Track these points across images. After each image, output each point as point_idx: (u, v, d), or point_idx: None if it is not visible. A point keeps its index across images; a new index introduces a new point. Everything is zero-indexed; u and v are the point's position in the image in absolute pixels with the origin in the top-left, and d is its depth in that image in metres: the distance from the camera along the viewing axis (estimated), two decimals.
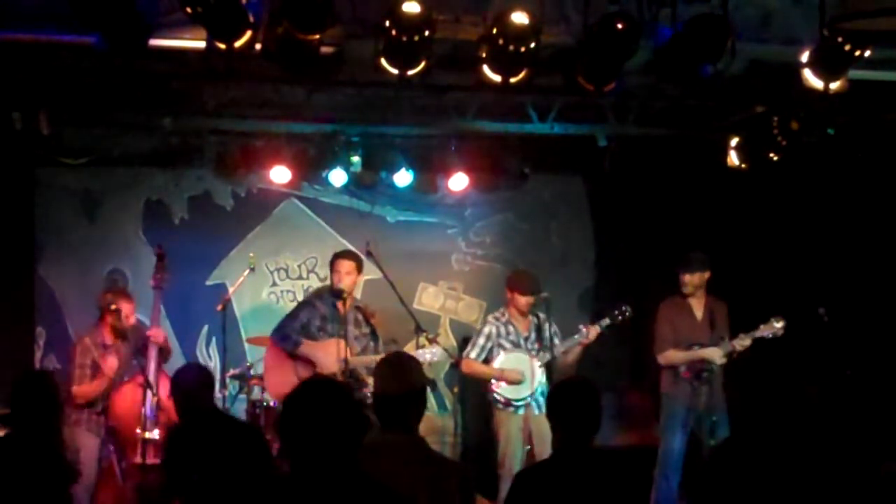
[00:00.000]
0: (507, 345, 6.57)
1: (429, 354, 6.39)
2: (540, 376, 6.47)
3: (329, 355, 6.26)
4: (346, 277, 6.42)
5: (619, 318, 6.47)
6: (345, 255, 6.60)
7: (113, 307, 6.05)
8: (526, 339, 6.58)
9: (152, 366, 6.03)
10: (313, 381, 2.98)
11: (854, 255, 7.00)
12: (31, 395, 4.35)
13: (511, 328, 6.61)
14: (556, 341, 6.57)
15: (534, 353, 6.51)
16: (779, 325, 6.30)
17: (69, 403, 5.91)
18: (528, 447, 6.38)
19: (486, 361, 6.63)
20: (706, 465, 2.37)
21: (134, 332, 6.22)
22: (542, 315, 6.62)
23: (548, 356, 6.46)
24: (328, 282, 6.67)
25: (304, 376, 5.59)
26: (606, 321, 6.46)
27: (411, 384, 3.48)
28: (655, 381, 6.71)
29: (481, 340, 6.64)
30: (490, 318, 6.74)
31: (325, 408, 2.70)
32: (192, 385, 4.80)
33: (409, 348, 6.56)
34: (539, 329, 6.54)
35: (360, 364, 6.31)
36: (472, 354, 6.65)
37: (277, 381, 6.42)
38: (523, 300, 6.53)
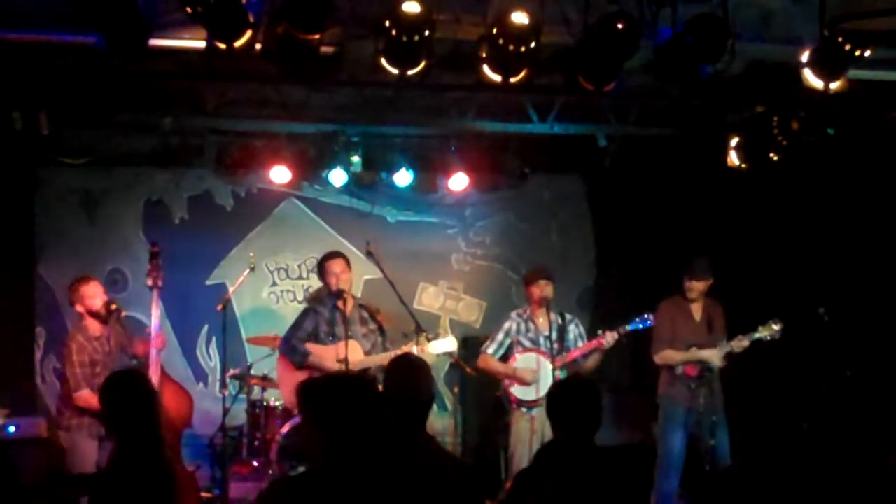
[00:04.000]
0: (526, 342, 6.51)
1: (442, 345, 6.40)
2: (552, 378, 6.32)
3: (339, 360, 6.24)
4: (343, 276, 6.41)
5: (641, 326, 6.37)
6: (333, 255, 6.56)
7: (81, 297, 5.98)
8: (546, 337, 6.46)
9: (154, 369, 6.00)
10: (346, 375, 2.97)
11: (854, 256, 7.00)
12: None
13: (531, 325, 6.53)
14: (580, 343, 6.51)
15: (549, 353, 6.40)
16: (777, 327, 6.29)
17: (69, 407, 5.90)
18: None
19: (505, 358, 6.57)
20: (714, 489, 2.38)
21: (116, 313, 6.10)
22: (568, 316, 6.61)
23: (562, 359, 6.42)
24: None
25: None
26: (627, 329, 6.35)
27: (429, 388, 3.51)
28: (655, 382, 6.70)
29: (500, 336, 6.59)
30: (513, 314, 6.66)
31: (363, 401, 2.69)
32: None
33: (409, 348, 6.55)
34: (562, 329, 6.51)
35: (371, 364, 6.29)
36: (490, 350, 6.59)
37: (293, 389, 6.41)
38: (536, 290, 6.48)
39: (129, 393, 3.95)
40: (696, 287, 6.48)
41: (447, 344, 6.47)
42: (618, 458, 3.65)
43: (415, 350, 6.28)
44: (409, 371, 3.60)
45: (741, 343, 6.32)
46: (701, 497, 6.13)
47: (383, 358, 6.18)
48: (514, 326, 6.57)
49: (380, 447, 2.68)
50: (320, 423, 2.69)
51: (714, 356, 6.30)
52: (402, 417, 3.42)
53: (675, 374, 6.46)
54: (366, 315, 6.58)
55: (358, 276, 7.62)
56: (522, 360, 6.48)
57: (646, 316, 6.37)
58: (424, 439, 3.45)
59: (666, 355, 6.49)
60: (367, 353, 6.37)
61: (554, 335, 6.47)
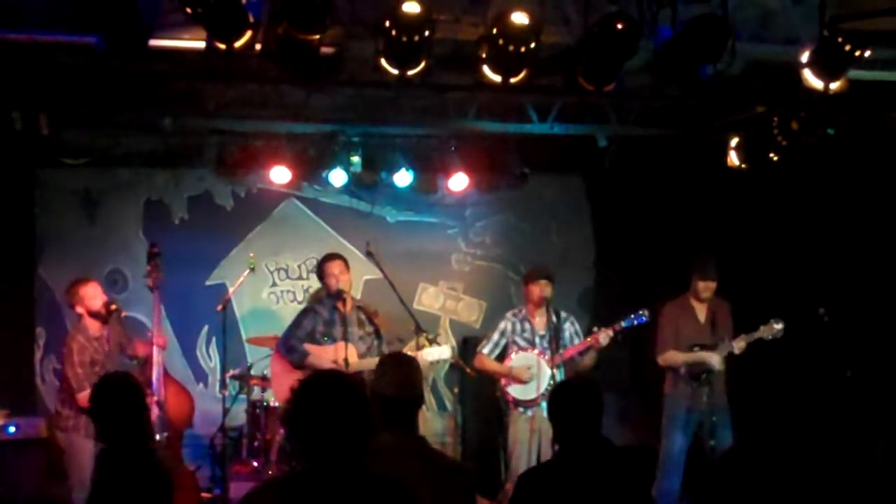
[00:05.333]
0: (522, 342, 6.51)
1: (436, 353, 6.38)
2: (550, 377, 6.35)
3: (337, 360, 6.23)
4: (342, 277, 6.41)
5: (636, 322, 6.38)
6: (331, 256, 6.57)
7: (80, 298, 6.00)
8: (542, 337, 6.47)
9: (156, 369, 6.01)
10: (322, 374, 2.95)
11: (854, 256, 7.00)
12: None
13: (527, 325, 6.53)
14: (576, 341, 6.51)
15: (547, 352, 6.43)
16: (778, 326, 6.30)
17: (69, 407, 5.89)
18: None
19: (501, 358, 6.56)
20: (712, 473, 2.36)
21: (116, 313, 6.11)
22: (563, 314, 6.60)
23: (559, 357, 6.43)
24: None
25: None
26: (622, 326, 6.36)
27: (418, 387, 3.50)
28: (656, 382, 6.70)
29: (495, 336, 6.60)
30: (508, 314, 6.67)
31: (337, 401, 2.66)
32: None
33: (409, 348, 6.54)
34: (557, 328, 6.51)
35: (365, 367, 6.27)
36: (485, 350, 6.59)
37: (286, 389, 6.39)
38: (536, 289, 6.48)
39: (118, 395, 3.95)
40: (711, 287, 6.48)
41: (441, 352, 6.43)
42: (621, 460, 3.65)
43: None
44: (396, 369, 3.60)
45: (741, 343, 6.33)
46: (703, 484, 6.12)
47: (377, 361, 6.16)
48: (510, 326, 6.57)
49: (362, 448, 2.66)
50: (299, 423, 2.69)
51: (714, 359, 6.31)
52: (390, 416, 3.42)
53: (679, 375, 6.46)
54: (363, 317, 6.57)
55: (358, 277, 7.62)
56: (519, 360, 6.48)
57: (640, 312, 6.37)
58: (413, 438, 3.44)
59: (668, 357, 6.50)
60: (361, 356, 6.34)
61: (550, 334, 6.47)
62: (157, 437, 5.82)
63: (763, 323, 6.34)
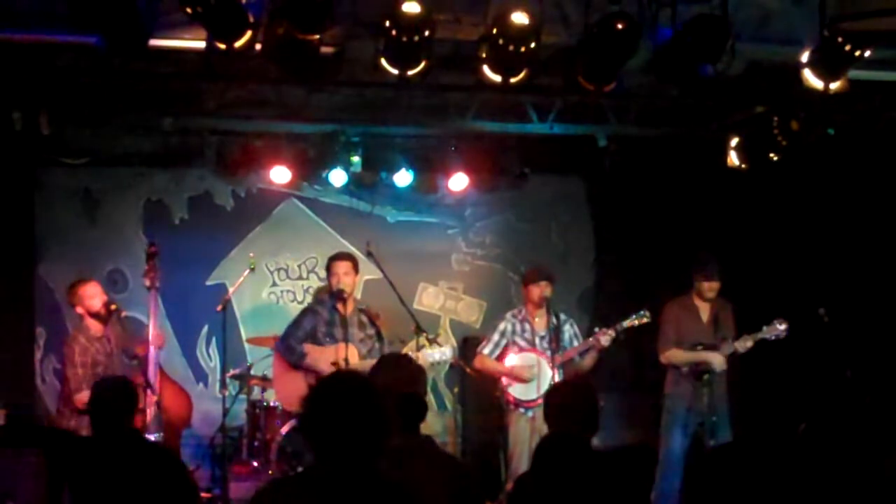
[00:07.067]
0: (522, 342, 6.50)
1: (438, 354, 6.38)
2: (551, 378, 6.32)
3: (334, 362, 6.22)
4: (345, 278, 6.41)
5: (637, 323, 6.38)
6: (340, 256, 6.58)
7: (81, 298, 6.02)
8: (542, 338, 6.46)
9: (152, 368, 6.01)
10: (339, 375, 2.92)
11: (854, 256, 7.00)
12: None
13: (527, 326, 6.52)
14: (576, 343, 6.51)
15: (547, 353, 6.42)
16: (782, 326, 6.29)
17: (69, 407, 5.89)
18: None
19: (500, 359, 6.56)
20: (701, 469, 2.34)
21: (116, 313, 6.12)
22: (562, 316, 6.60)
23: (559, 358, 6.41)
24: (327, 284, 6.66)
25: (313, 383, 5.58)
26: (623, 325, 6.36)
27: (422, 386, 3.51)
28: (657, 382, 6.70)
29: (496, 336, 6.58)
30: (508, 314, 6.65)
31: (351, 402, 2.64)
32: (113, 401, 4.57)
33: (410, 349, 6.54)
34: (557, 330, 6.50)
35: (366, 368, 6.25)
36: (486, 350, 6.58)
37: (287, 389, 6.41)
38: (536, 290, 6.48)
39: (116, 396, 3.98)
40: (715, 287, 6.47)
41: (442, 353, 6.42)
42: (618, 460, 3.65)
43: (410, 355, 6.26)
44: (399, 368, 3.60)
45: (745, 343, 6.33)
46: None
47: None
48: (510, 327, 6.56)
49: (375, 448, 2.65)
50: (312, 422, 2.67)
51: (717, 360, 6.31)
52: (399, 417, 3.41)
53: (681, 373, 6.46)
54: (365, 319, 6.56)
55: (358, 277, 7.62)
56: (520, 359, 6.47)
57: (642, 312, 6.37)
58: (421, 439, 3.44)
59: (671, 355, 6.49)
60: (362, 358, 6.33)
61: (549, 336, 6.46)
62: (156, 435, 5.84)
63: (766, 323, 6.33)
